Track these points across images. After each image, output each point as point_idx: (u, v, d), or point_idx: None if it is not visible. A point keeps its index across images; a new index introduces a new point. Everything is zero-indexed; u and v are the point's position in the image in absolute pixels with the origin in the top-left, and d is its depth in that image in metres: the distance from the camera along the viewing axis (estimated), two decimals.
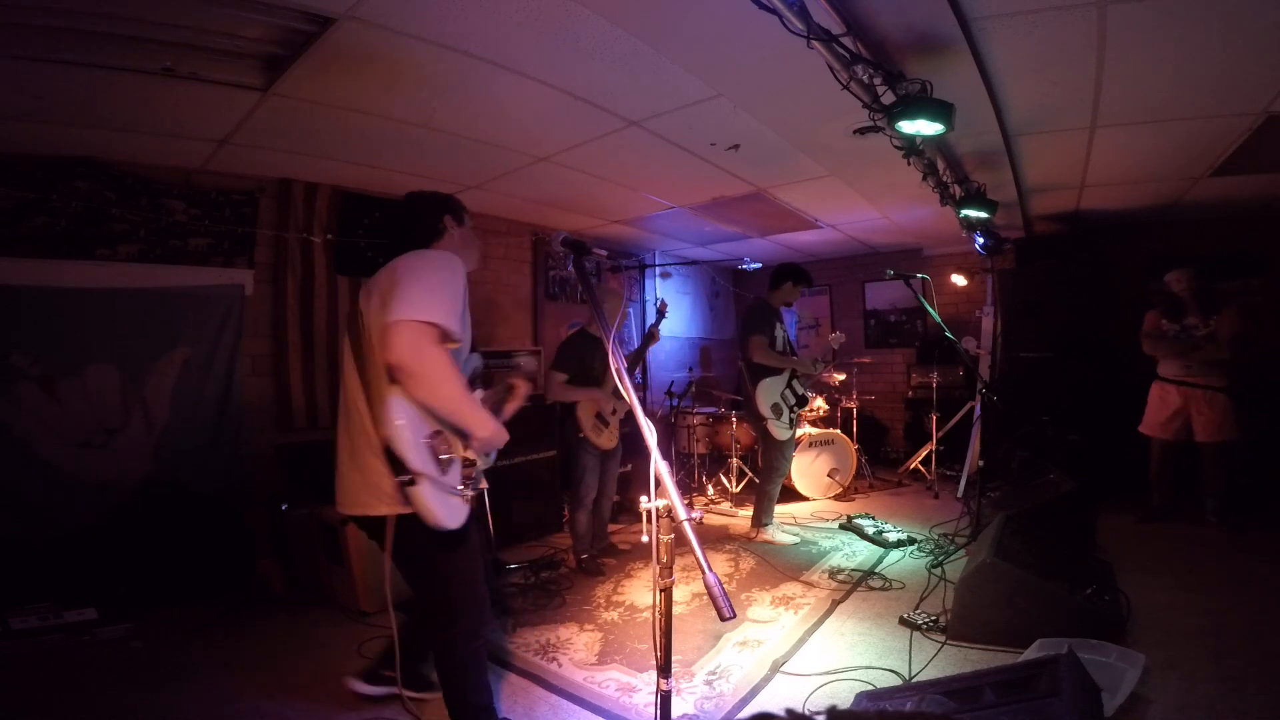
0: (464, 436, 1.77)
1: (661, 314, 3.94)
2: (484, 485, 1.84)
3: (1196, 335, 3.91)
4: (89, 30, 2.15)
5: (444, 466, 1.69)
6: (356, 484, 1.75)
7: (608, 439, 3.66)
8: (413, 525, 1.67)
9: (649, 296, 6.86)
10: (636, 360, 4.31)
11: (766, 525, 4.16)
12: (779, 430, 4.04)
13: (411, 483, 1.59)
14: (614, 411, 3.67)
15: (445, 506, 1.67)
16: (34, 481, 3.04)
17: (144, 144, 3.15)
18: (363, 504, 1.74)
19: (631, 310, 6.60)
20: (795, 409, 4.15)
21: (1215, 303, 3.94)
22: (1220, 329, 3.82)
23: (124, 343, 3.32)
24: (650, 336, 3.87)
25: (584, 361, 3.59)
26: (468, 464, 1.79)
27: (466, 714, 1.89)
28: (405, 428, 1.60)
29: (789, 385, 4.12)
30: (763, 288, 4.34)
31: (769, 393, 4.03)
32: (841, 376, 5.94)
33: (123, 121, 2.87)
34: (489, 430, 1.74)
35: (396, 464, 1.59)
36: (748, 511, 4.39)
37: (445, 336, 1.63)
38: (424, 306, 1.59)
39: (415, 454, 1.60)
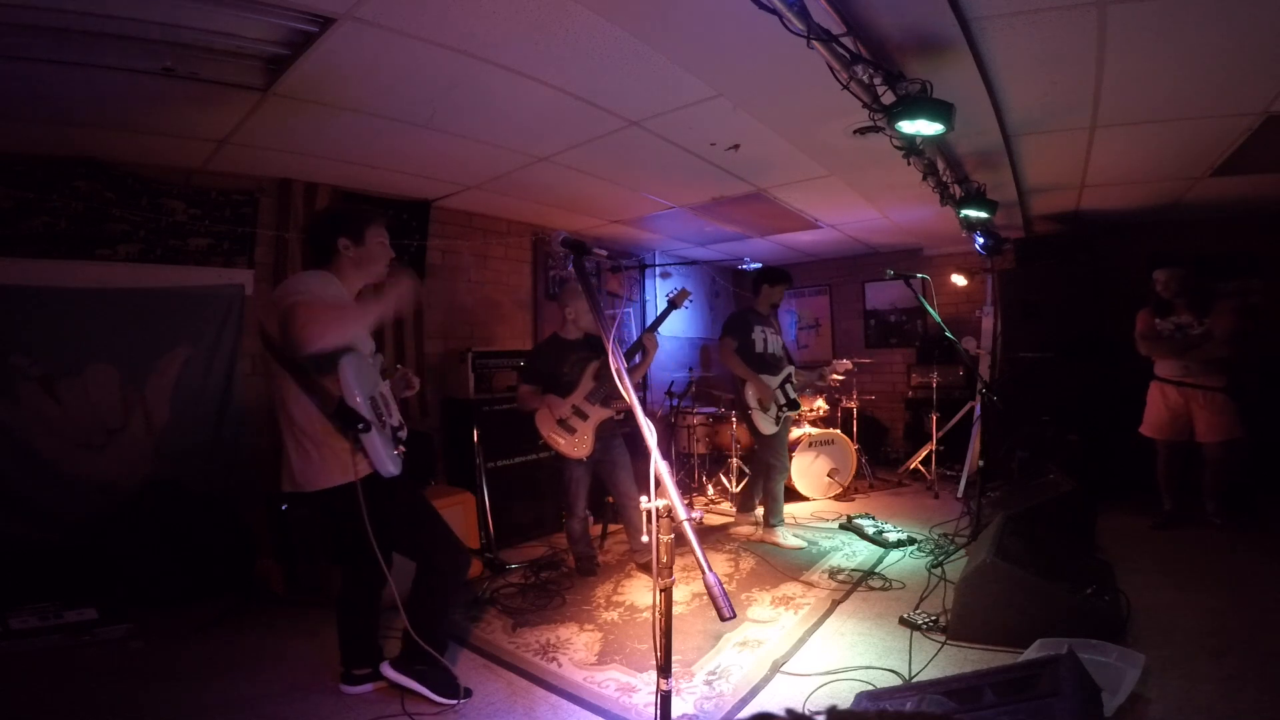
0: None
1: (673, 304, 3.64)
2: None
3: (1192, 334, 3.87)
4: (89, 30, 2.15)
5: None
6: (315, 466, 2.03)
7: (570, 446, 3.40)
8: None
9: (649, 296, 6.85)
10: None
11: (775, 526, 4.11)
12: (764, 423, 4.04)
13: (366, 429, 1.96)
14: (584, 417, 3.41)
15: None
16: (34, 481, 3.04)
17: (144, 144, 3.15)
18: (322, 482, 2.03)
19: (631, 310, 6.60)
20: (784, 409, 4.13)
21: (1208, 301, 3.89)
22: (1216, 328, 3.78)
23: (124, 343, 3.32)
24: (639, 345, 3.51)
25: (551, 374, 3.47)
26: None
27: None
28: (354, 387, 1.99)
29: (780, 386, 4.14)
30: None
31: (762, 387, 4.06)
32: (842, 376, 5.91)
33: (123, 121, 2.87)
34: (380, 308, 2.06)
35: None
36: (749, 512, 4.41)
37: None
38: (290, 292, 1.94)
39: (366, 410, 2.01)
